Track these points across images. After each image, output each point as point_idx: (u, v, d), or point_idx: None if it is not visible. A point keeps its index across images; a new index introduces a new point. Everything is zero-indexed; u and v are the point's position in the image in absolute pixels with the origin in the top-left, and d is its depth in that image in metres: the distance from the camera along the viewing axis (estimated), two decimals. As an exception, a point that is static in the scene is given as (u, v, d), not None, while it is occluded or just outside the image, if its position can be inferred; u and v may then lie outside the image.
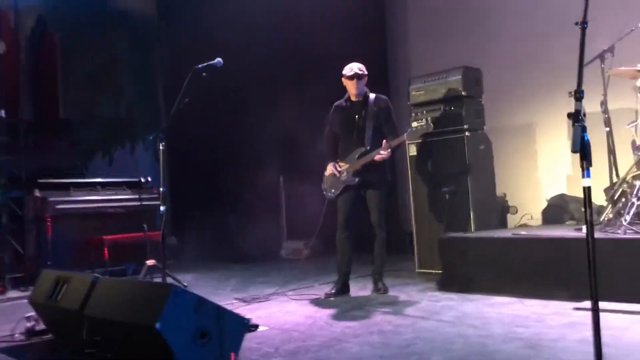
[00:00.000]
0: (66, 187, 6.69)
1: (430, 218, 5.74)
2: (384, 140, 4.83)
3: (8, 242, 6.26)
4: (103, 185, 6.97)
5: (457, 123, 5.63)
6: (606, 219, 4.65)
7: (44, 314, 3.88)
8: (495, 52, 6.84)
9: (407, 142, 5.52)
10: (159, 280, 5.48)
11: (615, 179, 4.99)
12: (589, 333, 2.32)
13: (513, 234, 4.88)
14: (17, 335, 3.94)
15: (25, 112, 7.48)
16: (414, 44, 8.06)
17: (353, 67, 4.98)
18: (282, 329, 3.91)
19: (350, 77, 4.97)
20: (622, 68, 4.65)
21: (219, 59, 4.67)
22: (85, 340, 3.29)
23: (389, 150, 4.80)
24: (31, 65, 8.36)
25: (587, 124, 2.18)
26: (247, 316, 3.98)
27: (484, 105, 5.91)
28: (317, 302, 4.80)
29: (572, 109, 2.22)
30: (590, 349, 2.26)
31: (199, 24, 8.50)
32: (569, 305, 3.98)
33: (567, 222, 5.74)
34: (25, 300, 4.23)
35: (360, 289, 5.23)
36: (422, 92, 5.91)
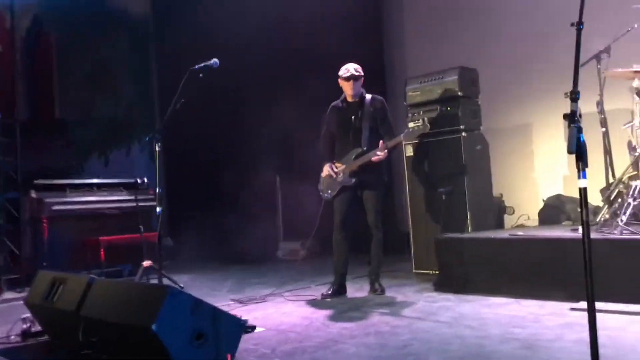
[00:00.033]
0: (62, 188, 6.68)
1: (427, 219, 5.74)
2: (381, 141, 4.83)
3: (4, 243, 6.24)
4: (99, 186, 6.96)
5: (454, 123, 5.63)
6: (602, 219, 4.65)
7: (40, 315, 3.87)
8: (491, 53, 6.85)
9: (403, 142, 5.53)
10: (155, 281, 5.46)
11: (611, 180, 4.99)
12: (585, 334, 2.32)
13: (510, 235, 4.89)
14: (13, 336, 3.93)
15: (21, 113, 7.46)
16: (411, 44, 8.06)
17: (349, 68, 4.98)
18: (279, 330, 3.91)
19: (347, 78, 4.97)
20: (619, 69, 4.65)
21: (215, 60, 4.66)
22: (81, 342, 3.27)
23: (386, 150, 4.81)
24: (27, 66, 8.34)
25: (583, 124, 2.18)
26: (244, 317, 3.97)
27: (481, 105, 5.92)
28: (313, 303, 4.79)
29: (568, 109, 2.22)
30: (587, 349, 2.27)
31: (195, 24, 8.49)
32: (566, 305, 3.98)
33: (563, 223, 5.75)
34: (21, 302, 4.21)
35: (357, 289, 5.23)
36: (419, 92, 5.91)
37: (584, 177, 2.12)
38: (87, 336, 3.26)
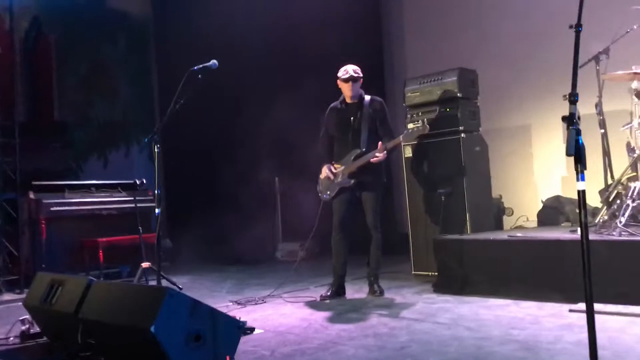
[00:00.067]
0: (61, 189, 6.67)
1: (426, 220, 5.73)
2: (380, 142, 4.83)
3: (2, 244, 6.23)
4: (98, 187, 6.94)
5: (453, 124, 5.63)
6: (601, 220, 4.65)
7: (38, 317, 3.86)
8: (490, 54, 6.85)
9: (402, 143, 5.52)
10: (154, 282, 5.46)
11: (610, 181, 5.00)
12: (584, 335, 2.32)
13: (509, 236, 4.89)
14: (11, 338, 3.92)
15: (20, 114, 7.46)
16: (410, 45, 8.07)
17: (348, 70, 4.98)
18: (278, 331, 3.90)
19: (346, 80, 4.97)
20: (619, 72, 4.65)
21: (214, 61, 4.65)
22: (80, 343, 3.27)
23: (385, 152, 4.81)
24: (26, 67, 8.34)
25: (582, 126, 2.18)
26: (243, 319, 3.97)
27: (480, 106, 5.92)
28: (312, 305, 4.79)
29: (567, 111, 2.22)
30: (586, 351, 2.26)
31: (194, 25, 8.49)
32: (565, 307, 3.99)
33: (562, 224, 5.75)
34: (20, 303, 4.21)
35: (356, 291, 5.22)
36: (418, 93, 5.91)
37: (583, 179, 2.12)
38: (86, 338, 3.25)
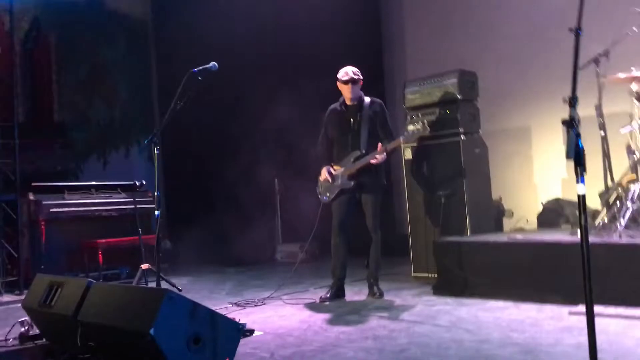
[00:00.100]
0: (60, 190, 6.67)
1: (426, 222, 5.72)
2: (379, 144, 4.83)
3: (1, 246, 6.24)
4: (97, 188, 6.94)
5: (453, 126, 5.62)
6: (601, 223, 4.65)
7: (37, 319, 3.85)
8: (491, 55, 6.85)
9: (402, 145, 5.52)
10: (153, 284, 5.45)
11: (610, 183, 4.99)
12: (584, 338, 2.32)
13: (508, 238, 4.88)
14: (10, 340, 3.92)
15: (20, 115, 7.46)
16: (410, 47, 8.07)
17: (348, 72, 4.98)
18: (277, 333, 3.90)
19: (346, 82, 4.97)
20: (620, 75, 4.65)
21: (214, 63, 4.65)
22: (79, 346, 3.27)
23: (385, 153, 4.81)
24: (26, 68, 8.34)
25: (581, 127, 2.18)
26: (242, 321, 3.99)
27: (480, 108, 5.91)
28: (312, 307, 4.79)
29: (567, 113, 2.22)
30: (586, 354, 2.26)
31: (194, 26, 8.49)
32: (565, 309, 3.98)
33: (562, 226, 5.75)
34: (19, 304, 4.20)
35: (355, 293, 5.22)
36: (418, 95, 5.90)
37: (583, 182, 2.12)
38: (85, 340, 3.25)
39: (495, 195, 6.14)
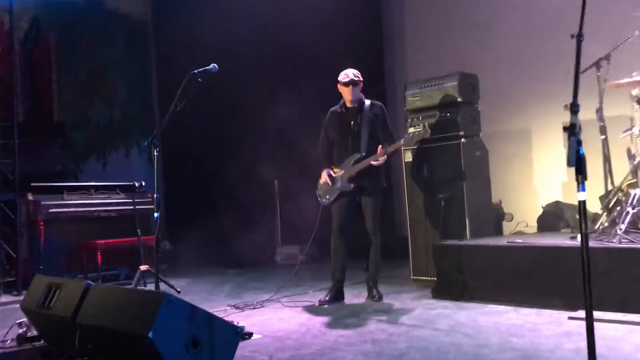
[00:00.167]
0: (59, 191, 6.66)
1: (426, 225, 5.71)
2: (379, 146, 4.83)
3: (0, 246, 6.22)
4: (96, 188, 6.93)
5: (453, 129, 5.60)
6: (601, 227, 4.64)
7: (36, 321, 3.84)
8: (491, 58, 6.85)
9: (402, 148, 5.51)
10: (152, 285, 5.44)
11: (610, 187, 4.99)
12: (583, 343, 2.31)
13: (508, 242, 4.87)
14: (8, 341, 3.91)
15: (19, 114, 7.44)
16: (410, 49, 8.06)
17: (348, 74, 4.98)
18: (276, 336, 3.89)
19: (346, 84, 4.97)
20: (623, 81, 4.64)
21: (214, 65, 4.64)
22: (77, 348, 3.26)
23: (385, 155, 4.81)
24: (25, 68, 8.33)
25: (582, 131, 2.17)
26: (241, 323, 3.99)
27: (480, 110, 5.90)
28: (311, 310, 4.78)
29: (568, 116, 2.21)
30: (585, 359, 2.25)
31: (194, 27, 8.48)
32: (564, 314, 3.97)
33: (562, 230, 5.74)
34: (17, 305, 4.19)
35: (354, 296, 5.21)
36: (418, 97, 5.89)
37: (583, 190, 2.11)
38: (84, 342, 3.24)
39: (495, 199, 6.13)
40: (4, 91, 6.75)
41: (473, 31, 7.16)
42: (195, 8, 8.61)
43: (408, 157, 5.90)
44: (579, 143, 2.07)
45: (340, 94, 5.07)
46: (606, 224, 4.62)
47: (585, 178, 2.09)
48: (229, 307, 4.96)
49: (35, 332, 3.89)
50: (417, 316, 4.32)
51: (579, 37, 2.27)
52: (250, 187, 7.90)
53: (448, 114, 5.67)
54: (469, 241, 5.24)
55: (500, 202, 6.47)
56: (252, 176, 7.87)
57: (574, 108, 2.13)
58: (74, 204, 6.65)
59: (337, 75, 5.04)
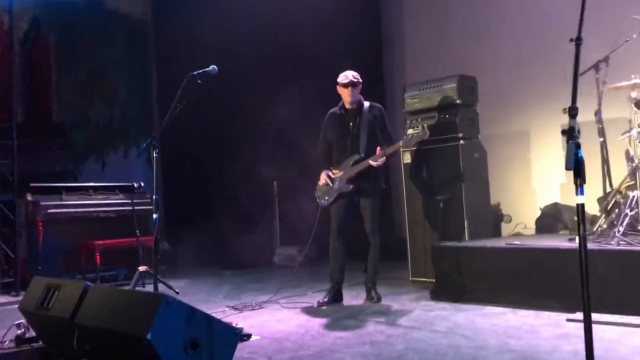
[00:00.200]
0: (58, 191, 6.65)
1: (424, 226, 5.71)
2: (378, 148, 4.83)
3: (-1, 246, 6.22)
4: (95, 189, 6.91)
5: (452, 131, 5.61)
6: (599, 229, 4.65)
7: (34, 322, 3.84)
8: (491, 59, 6.87)
9: (401, 149, 5.52)
10: (150, 286, 5.44)
11: (608, 189, 5.00)
12: (581, 345, 2.32)
13: (506, 244, 4.88)
14: (7, 342, 3.90)
15: (19, 115, 7.43)
16: (410, 50, 8.07)
17: (348, 75, 4.99)
18: (274, 338, 3.89)
19: (345, 85, 4.98)
20: (621, 83, 4.66)
21: (213, 66, 4.65)
22: (76, 349, 3.26)
23: (384, 157, 4.81)
24: (25, 68, 8.32)
25: (581, 133, 2.18)
26: (239, 325, 3.99)
27: (479, 112, 5.91)
28: (309, 311, 4.78)
29: (567, 117, 2.21)
30: (584, 362, 2.26)
31: (194, 27, 8.48)
32: (562, 316, 3.98)
33: (560, 232, 5.74)
34: (16, 306, 4.18)
35: (353, 297, 5.21)
36: (417, 99, 5.89)
37: (582, 193, 2.12)
38: (82, 343, 3.24)
39: (493, 200, 6.13)
40: (3, 91, 6.75)
41: (472, 32, 7.18)
42: (195, 8, 8.60)
43: (407, 158, 5.91)
44: (578, 146, 2.08)
45: (339, 95, 5.08)
46: (604, 226, 4.63)
47: (583, 181, 2.09)
48: (228, 308, 4.96)
49: (33, 333, 3.89)
50: (416, 318, 4.33)
51: (578, 41, 2.28)
52: (249, 188, 7.90)
53: (447, 116, 5.68)
54: (468, 243, 5.24)
55: (499, 203, 6.48)
56: (251, 177, 7.87)
57: (572, 112, 2.14)
58: (73, 204, 6.65)
59: (337, 76, 5.05)
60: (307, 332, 4.04)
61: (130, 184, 6.99)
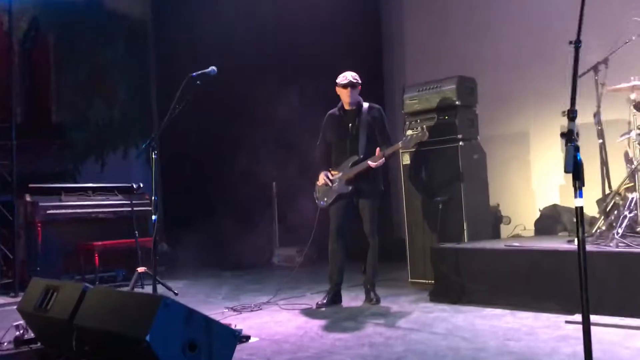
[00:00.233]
0: (57, 192, 6.64)
1: (423, 227, 5.71)
2: (377, 148, 4.83)
3: (-3, 247, 6.22)
4: (94, 190, 6.91)
5: (451, 132, 5.61)
6: (598, 231, 4.65)
7: (33, 323, 3.84)
8: (490, 60, 6.86)
9: (400, 150, 5.52)
10: (149, 287, 5.44)
11: (607, 190, 5.00)
12: (580, 347, 2.32)
13: (505, 245, 4.87)
14: (5, 343, 3.90)
15: (18, 115, 7.43)
16: (409, 47, 8.07)
17: (347, 76, 4.99)
18: (273, 340, 3.89)
19: (344, 86, 4.98)
20: (621, 85, 4.66)
21: (212, 68, 4.64)
22: (74, 350, 3.25)
23: (383, 158, 4.81)
24: (24, 68, 8.31)
25: (580, 135, 2.18)
26: (238, 326, 4.00)
27: (478, 113, 5.91)
28: (308, 312, 4.77)
29: (566, 119, 2.21)
30: (582, 364, 2.26)
31: (194, 28, 8.48)
32: (561, 318, 3.98)
33: (559, 233, 5.74)
34: (14, 307, 4.18)
35: (352, 299, 5.21)
36: (416, 101, 5.89)
37: (581, 196, 2.12)
38: (81, 345, 3.24)
39: (492, 202, 6.12)
40: (2, 92, 6.75)
41: (472, 32, 7.18)
42: (195, 8, 8.60)
43: (406, 159, 5.91)
44: (577, 149, 2.08)
45: (339, 96, 5.08)
46: (603, 228, 4.63)
47: (582, 184, 2.09)
48: (227, 310, 4.96)
49: (32, 335, 3.89)
50: (415, 319, 4.33)
51: (577, 44, 2.28)
52: (248, 189, 7.90)
53: (446, 117, 5.68)
54: (467, 244, 5.24)
55: (498, 205, 6.48)
56: (250, 178, 7.87)
57: (571, 115, 2.14)
58: (72, 205, 6.64)
59: (337, 77, 5.05)
60: (306, 333, 4.03)
61: (130, 184, 6.99)
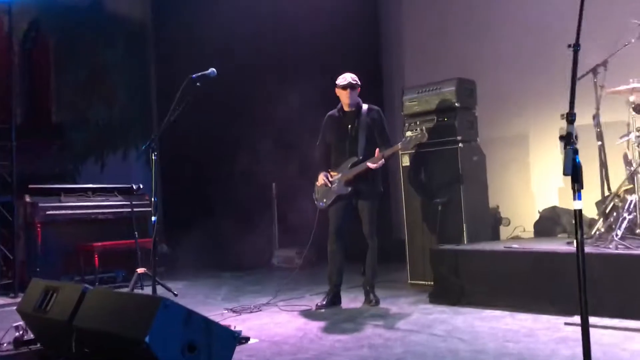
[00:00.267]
0: (57, 193, 6.65)
1: (423, 229, 5.72)
2: (377, 150, 4.84)
3: (-3, 248, 6.22)
4: (94, 191, 6.92)
5: (450, 134, 5.62)
6: (598, 233, 4.65)
7: (32, 324, 3.84)
8: (489, 62, 6.87)
9: (400, 152, 5.52)
10: (149, 288, 5.44)
11: (607, 192, 5.00)
12: (579, 349, 2.32)
13: (505, 247, 4.88)
14: (5, 344, 3.90)
15: (18, 116, 7.43)
16: (409, 48, 8.08)
17: (346, 77, 4.99)
18: (273, 341, 3.89)
19: (344, 87, 4.98)
20: (620, 87, 4.67)
21: (212, 69, 4.65)
22: (74, 352, 3.26)
23: (382, 159, 4.81)
24: (24, 69, 8.31)
25: (579, 137, 2.18)
26: (238, 327, 4.00)
27: (478, 115, 5.92)
28: (307, 314, 4.78)
29: (564, 123, 2.22)
30: (581, 366, 2.26)
31: (194, 28, 8.49)
32: (560, 319, 3.98)
33: (559, 235, 5.75)
34: (14, 307, 4.19)
35: (351, 300, 5.21)
36: (416, 102, 5.90)
37: (579, 198, 2.12)
38: (80, 346, 3.24)
39: (492, 203, 6.13)
40: (2, 92, 6.74)
41: (472, 33, 7.18)
42: (195, 9, 8.61)
43: (405, 161, 5.92)
44: (575, 152, 2.09)
45: (338, 97, 5.08)
46: (603, 230, 4.64)
47: (581, 187, 2.10)
48: (226, 311, 4.96)
49: (31, 336, 3.89)
50: (414, 321, 4.33)
51: (576, 47, 2.28)
52: (247, 190, 7.90)
53: (445, 119, 5.69)
54: (466, 246, 5.25)
55: (498, 206, 6.48)
56: (250, 179, 7.87)
57: (570, 117, 2.14)
58: (72, 206, 6.65)
59: (336, 78, 5.05)
60: (306, 335, 4.04)
61: (129, 185, 6.99)
